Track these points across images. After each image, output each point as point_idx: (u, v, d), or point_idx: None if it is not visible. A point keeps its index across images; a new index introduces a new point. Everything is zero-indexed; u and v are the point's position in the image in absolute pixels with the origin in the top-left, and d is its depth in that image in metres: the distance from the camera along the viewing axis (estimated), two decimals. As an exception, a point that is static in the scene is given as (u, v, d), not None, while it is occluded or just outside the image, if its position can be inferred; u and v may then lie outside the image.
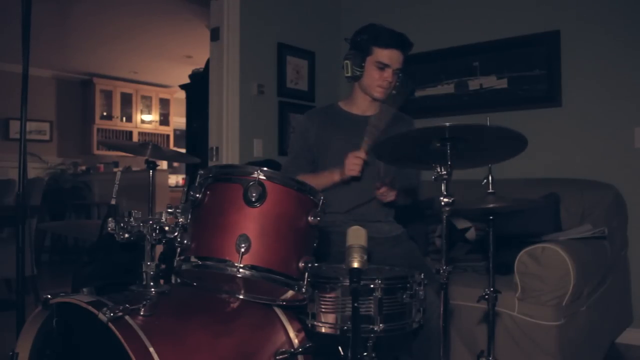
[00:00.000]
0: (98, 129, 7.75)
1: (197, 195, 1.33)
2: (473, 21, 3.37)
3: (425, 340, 1.65)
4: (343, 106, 2.15)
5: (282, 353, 1.37)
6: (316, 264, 1.35)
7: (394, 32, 1.98)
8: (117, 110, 7.99)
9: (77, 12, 5.36)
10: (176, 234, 1.33)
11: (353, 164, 1.83)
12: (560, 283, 2.00)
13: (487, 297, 1.60)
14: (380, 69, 1.96)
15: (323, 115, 2.14)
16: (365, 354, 1.42)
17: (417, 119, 2.60)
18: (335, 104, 2.18)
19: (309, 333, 1.45)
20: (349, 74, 2.00)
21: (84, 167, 7.43)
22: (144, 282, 1.33)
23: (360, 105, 2.11)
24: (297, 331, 1.44)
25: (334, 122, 2.10)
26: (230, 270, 1.24)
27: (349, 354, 1.29)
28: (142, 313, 1.18)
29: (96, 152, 7.72)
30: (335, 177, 1.93)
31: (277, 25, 3.43)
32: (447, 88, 3.47)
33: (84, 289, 1.25)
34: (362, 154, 1.83)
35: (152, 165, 1.77)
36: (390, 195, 1.89)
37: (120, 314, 1.12)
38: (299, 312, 1.48)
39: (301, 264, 1.32)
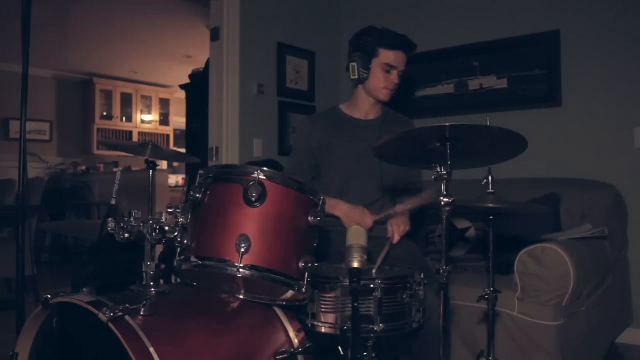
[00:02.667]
0: (98, 129, 7.75)
1: (197, 195, 1.33)
2: (473, 21, 3.37)
3: (426, 340, 1.65)
4: (345, 110, 2.14)
5: (282, 353, 1.37)
6: (316, 264, 1.35)
7: (398, 33, 1.98)
8: (117, 110, 7.99)
9: (77, 12, 5.36)
10: (176, 234, 1.33)
11: (362, 220, 1.85)
12: (560, 283, 2.00)
13: (487, 297, 1.60)
14: (387, 72, 1.96)
15: (326, 119, 2.13)
16: (365, 354, 1.42)
17: (417, 119, 2.61)
18: (337, 107, 2.17)
19: (309, 333, 1.45)
20: (356, 77, 1.99)
21: (84, 167, 7.43)
22: (144, 282, 1.34)
23: (363, 109, 2.10)
24: (297, 331, 1.44)
25: (336, 127, 2.09)
26: (231, 270, 1.25)
27: (349, 354, 1.29)
28: (142, 313, 1.18)
29: (96, 152, 7.72)
30: (337, 211, 1.92)
31: (277, 25, 3.43)
32: (447, 88, 3.46)
33: (84, 289, 1.25)
34: (372, 219, 1.86)
35: (152, 165, 1.77)
36: (402, 229, 1.89)
37: (120, 314, 1.12)
38: (299, 312, 1.48)
39: (301, 264, 1.32)
